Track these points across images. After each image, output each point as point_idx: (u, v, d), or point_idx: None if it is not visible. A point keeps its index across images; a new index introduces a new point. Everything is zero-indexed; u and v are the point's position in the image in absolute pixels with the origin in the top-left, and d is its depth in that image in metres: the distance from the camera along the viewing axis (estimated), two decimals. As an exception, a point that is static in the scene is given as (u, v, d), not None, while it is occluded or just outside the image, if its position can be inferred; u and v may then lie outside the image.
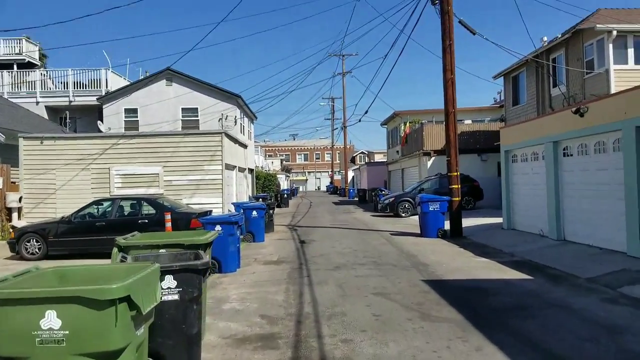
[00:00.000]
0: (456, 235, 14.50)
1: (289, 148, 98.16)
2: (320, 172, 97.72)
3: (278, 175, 48.83)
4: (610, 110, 9.92)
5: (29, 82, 27.86)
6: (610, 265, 8.76)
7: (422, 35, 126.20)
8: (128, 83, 28.51)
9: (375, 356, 5.00)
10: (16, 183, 16.93)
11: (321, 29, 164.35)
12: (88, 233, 12.38)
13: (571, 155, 11.71)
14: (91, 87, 27.89)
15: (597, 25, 16.24)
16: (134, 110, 26.34)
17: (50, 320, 3.37)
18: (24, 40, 29.37)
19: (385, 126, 41.39)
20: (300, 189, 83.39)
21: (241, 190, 22.59)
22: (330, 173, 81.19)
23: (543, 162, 12.81)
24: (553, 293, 7.36)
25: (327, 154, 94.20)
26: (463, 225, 14.82)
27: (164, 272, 4.47)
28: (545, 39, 20.58)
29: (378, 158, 73.36)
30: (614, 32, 16.07)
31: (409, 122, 32.32)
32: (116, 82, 28.75)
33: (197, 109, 26.57)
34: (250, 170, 28.67)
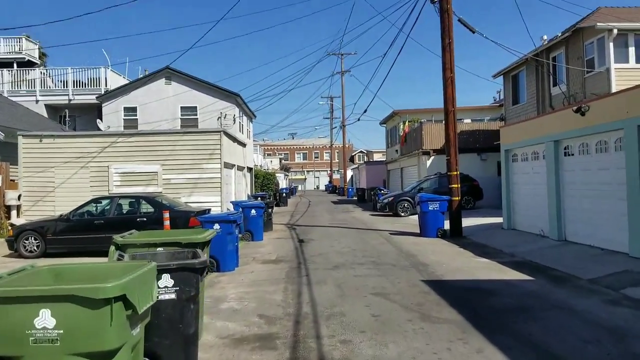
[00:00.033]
0: (456, 235, 14.44)
1: (288, 147, 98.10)
2: (319, 171, 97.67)
3: (277, 174, 48.83)
4: (611, 109, 9.86)
5: (28, 80, 27.83)
6: (612, 266, 8.69)
7: (422, 34, 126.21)
8: (127, 82, 28.47)
9: (375, 357, 4.94)
10: (15, 181, 16.89)
11: (320, 28, 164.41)
12: (86, 231, 12.35)
13: (572, 154, 11.65)
14: (91, 86, 27.86)
15: (598, 24, 16.16)
16: (133, 109, 26.31)
17: (45, 319, 3.31)
18: (23, 39, 29.36)
19: (384, 125, 41.32)
20: (299, 188, 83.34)
21: (240, 189, 22.54)
22: (329, 172, 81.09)
23: (544, 162, 12.75)
24: (554, 294, 7.29)
25: (326, 153, 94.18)
26: (463, 225, 14.75)
27: (160, 271, 4.42)
28: (545, 37, 20.54)
29: (377, 157, 73.42)
30: (615, 31, 16.00)
31: (408, 121, 32.26)
32: (115, 80, 28.71)
33: (196, 107, 26.54)
34: (249, 169, 28.62)
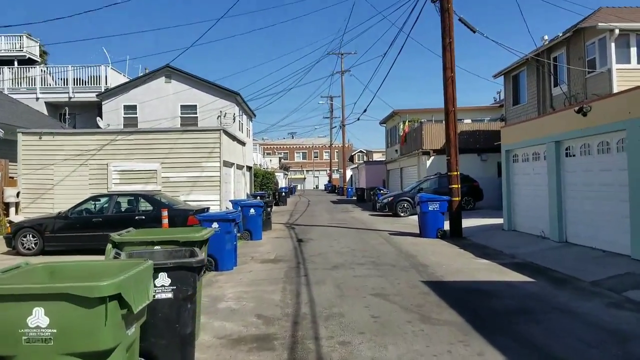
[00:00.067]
0: (456, 235, 14.37)
1: (288, 146, 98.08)
2: (318, 170, 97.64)
3: (276, 173, 48.73)
4: (614, 109, 9.78)
5: (29, 78, 27.78)
6: (614, 268, 8.62)
7: (422, 33, 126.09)
8: (127, 80, 28.43)
9: None
10: (14, 178, 16.83)
11: (320, 27, 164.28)
12: (85, 229, 12.29)
13: (574, 155, 11.57)
14: (91, 84, 27.80)
15: (600, 24, 16.07)
16: (133, 107, 26.29)
17: (38, 317, 3.24)
18: (24, 37, 29.30)
19: (384, 125, 41.25)
20: (299, 187, 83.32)
21: (239, 187, 22.47)
22: (328, 172, 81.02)
23: (545, 162, 12.67)
24: (556, 296, 7.22)
25: (325, 152, 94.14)
26: (463, 226, 14.68)
27: (157, 270, 4.34)
28: (546, 37, 20.45)
29: (377, 157, 73.32)
30: (617, 31, 15.90)
31: (408, 121, 32.19)
32: (115, 78, 28.67)
33: (195, 106, 26.50)
34: (249, 168, 28.56)
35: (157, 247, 5.60)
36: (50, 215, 13.25)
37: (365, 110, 41.68)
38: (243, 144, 23.63)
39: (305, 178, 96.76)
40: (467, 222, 15.60)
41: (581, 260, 9.71)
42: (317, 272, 9.45)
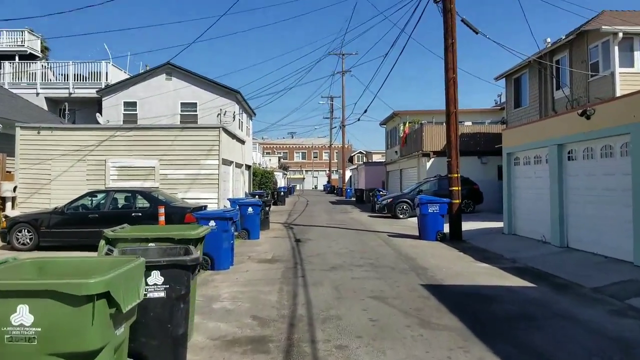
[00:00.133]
0: (456, 238, 14.24)
1: (287, 146, 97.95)
2: (317, 170, 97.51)
3: (275, 173, 48.55)
4: (618, 113, 9.66)
5: (29, 73, 27.67)
6: (617, 274, 8.48)
7: (423, 34, 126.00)
8: (128, 76, 28.32)
9: (372, 363, 4.74)
10: (11, 172, 16.69)
11: (321, 27, 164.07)
12: (81, 225, 12.18)
13: (576, 159, 11.44)
14: (91, 80, 27.71)
15: (603, 27, 15.93)
16: (133, 104, 26.15)
17: (22, 315, 3.12)
18: (26, 32, 29.21)
19: (384, 126, 41.11)
20: (298, 187, 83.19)
21: (237, 186, 22.32)
22: (327, 172, 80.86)
23: (547, 166, 12.54)
24: (557, 302, 7.08)
25: (325, 152, 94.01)
26: (462, 229, 14.56)
27: (150, 267, 4.22)
28: (548, 40, 20.34)
29: (376, 158, 73.11)
30: (620, 34, 15.77)
31: (409, 123, 32.05)
32: (116, 75, 28.56)
33: (195, 103, 26.36)
34: (248, 167, 28.40)
35: (151, 244, 5.47)
36: (47, 210, 13.13)
37: (365, 111, 41.78)
38: (242, 142, 23.49)
39: (304, 178, 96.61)
40: (467, 225, 15.48)
41: (583, 265, 9.58)
42: (315, 273, 9.32)
